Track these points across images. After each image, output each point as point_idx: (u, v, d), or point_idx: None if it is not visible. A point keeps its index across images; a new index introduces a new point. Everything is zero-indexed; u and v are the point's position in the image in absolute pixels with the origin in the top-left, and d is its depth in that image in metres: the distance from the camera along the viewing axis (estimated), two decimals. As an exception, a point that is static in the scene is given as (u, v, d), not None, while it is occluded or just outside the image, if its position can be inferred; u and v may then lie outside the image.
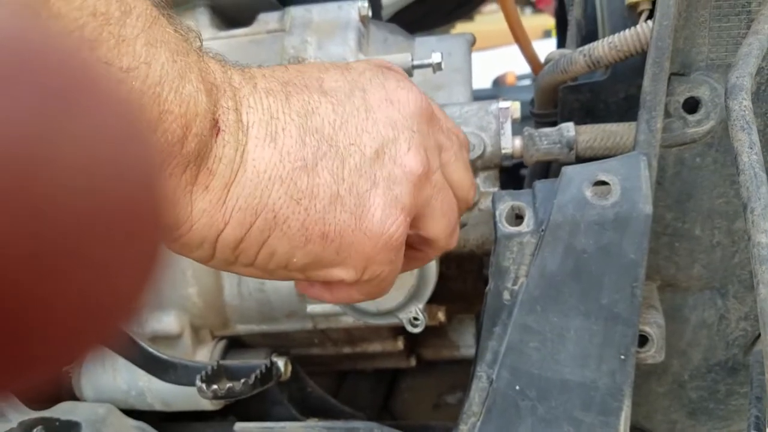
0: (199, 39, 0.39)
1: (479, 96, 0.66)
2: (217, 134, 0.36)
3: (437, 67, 0.58)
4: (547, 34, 2.93)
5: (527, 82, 1.87)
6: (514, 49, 0.92)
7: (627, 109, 0.59)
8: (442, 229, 0.46)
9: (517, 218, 0.50)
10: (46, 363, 0.16)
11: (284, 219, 0.39)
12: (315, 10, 0.63)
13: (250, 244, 0.39)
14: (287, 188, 0.39)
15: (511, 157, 0.58)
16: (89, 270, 0.16)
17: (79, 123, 0.15)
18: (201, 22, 0.65)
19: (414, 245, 0.47)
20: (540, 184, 0.50)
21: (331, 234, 0.41)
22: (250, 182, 0.38)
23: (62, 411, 0.59)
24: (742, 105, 0.37)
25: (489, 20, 2.92)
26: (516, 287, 0.49)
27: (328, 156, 0.40)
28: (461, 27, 1.84)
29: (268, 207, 0.38)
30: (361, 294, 0.46)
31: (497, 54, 2.42)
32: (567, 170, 0.48)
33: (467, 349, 0.78)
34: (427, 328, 0.58)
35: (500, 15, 0.79)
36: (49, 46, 0.16)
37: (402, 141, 0.42)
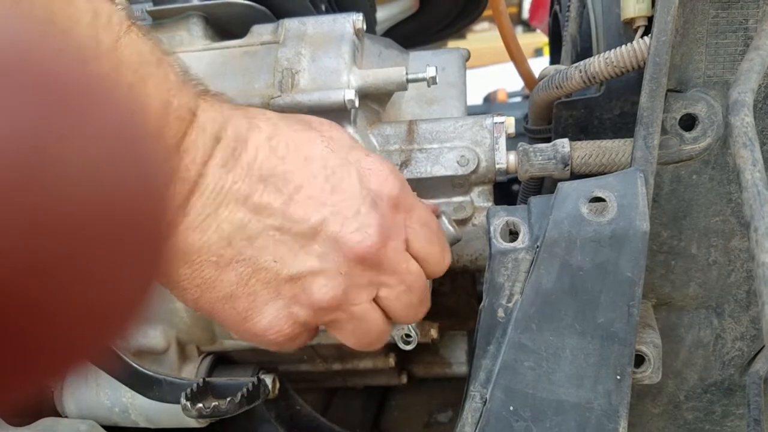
0: (204, 88, 0.43)
1: (471, 112, 0.65)
2: None
3: (432, 81, 0.58)
4: (538, 52, 2.95)
5: (518, 99, 1.88)
6: (505, 67, 0.92)
7: (621, 126, 0.58)
8: (351, 343, 0.50)
9: (512, 234, 0.49)
10: (43, 373, 0.16)
11: (182, 289, 0.43)
12: (309, 22, 0.62)
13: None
14: (192, 272, 0.42)
15: (505, 172, 0.57)
16: (90, 279, 0.16)
17: (80, 131, 0.15)
18: (194, 32, 0.65)
19: None
20: (535, 200, 0.49)
21: (218, 316, 0.45)
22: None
23: (43, 427, 0.58)
24: (745, 121, 0.36)
25: (480, 38, 2.94)
26: (510, 304, 0.48)
27: (244, 263, 0.43)
28: (453, 45, 1.85)
29: (172, 276, 0.42)
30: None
31: (488, 72, 2.44)
32: (563, 186, 0.47)
33: (459, 367, 0.77)
34: (418, 345, 0.57)
35: (492, 33, 0.79)
36: (53, 54, 0.15)
37: (322, 278, 0.44)
